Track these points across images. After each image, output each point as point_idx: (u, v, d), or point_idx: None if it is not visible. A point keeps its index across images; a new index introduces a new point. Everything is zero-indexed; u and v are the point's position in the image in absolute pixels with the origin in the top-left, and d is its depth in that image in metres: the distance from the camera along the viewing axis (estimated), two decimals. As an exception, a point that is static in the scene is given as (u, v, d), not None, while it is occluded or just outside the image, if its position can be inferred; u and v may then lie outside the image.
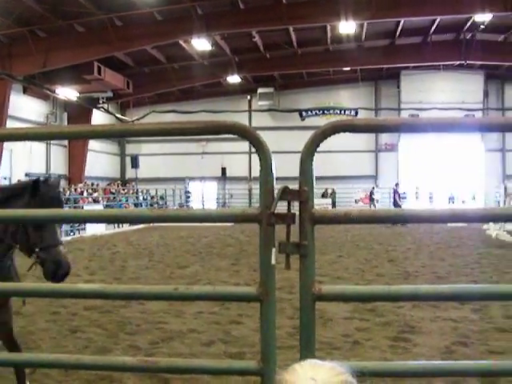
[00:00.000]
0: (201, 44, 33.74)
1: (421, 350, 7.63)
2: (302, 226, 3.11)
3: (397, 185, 37.76)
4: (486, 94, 47.95)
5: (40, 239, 5.11)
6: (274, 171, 3.13)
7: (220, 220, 3.64)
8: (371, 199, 41.48)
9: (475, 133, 40.22)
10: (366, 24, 33.70)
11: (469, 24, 35.61)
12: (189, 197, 46.49)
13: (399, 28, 35.45)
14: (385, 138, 48.23)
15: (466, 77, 46.11)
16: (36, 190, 5.18)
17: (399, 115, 43.79)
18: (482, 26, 35.24)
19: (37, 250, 5.11)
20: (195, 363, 4.27)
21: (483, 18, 33.01)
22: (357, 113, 42.55)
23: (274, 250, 3.16)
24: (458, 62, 42.24)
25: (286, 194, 3.11)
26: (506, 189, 30.82)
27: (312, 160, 3.03)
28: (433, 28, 36.06)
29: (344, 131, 3.10)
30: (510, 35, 37.62)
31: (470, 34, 38.31)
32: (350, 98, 47.67)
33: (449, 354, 7.41)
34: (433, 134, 39.25)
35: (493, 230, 24.60)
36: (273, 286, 3.23)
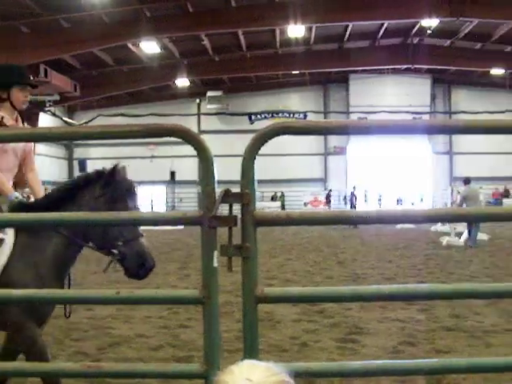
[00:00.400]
0: (149, 47, 33.61)
1: (368, 351, 7.66)
2: (244, 228, 3.10)
3: (354, 188, 38.23)
4: (433, 98, 48.84)
5: (120, 233, 4.80)
6: (215, 174, 3.11)
7: (162, 223, 3.62)
8: (328, 201, 41.85)
9: (420, 135, 40.97)
10: (314, 27, 33.92)
11: (416, 29, 36.16)
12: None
13: (348, 32, 35.75)
14: (334, 141, 48.56)
15: (414, 80, 46.88)
16: (109, 181, 4.88)
17: (348, 118, 44.20)
18: (428, 31, 35.74)
19: (119, 244, 4.79)
20: (139, 367, 4.23)
21: (430, 23, 33.54)
22: (306, 116, 42.79)
23: (215, 252, 3.15)
24: (405, 66, 42.91)
25: (227, 196, 3.10)
26: (452, 191, 31.33)
27: (253, 162, 3.02)
28: (381, 32, 36.51)
29: (284, 133, 3.10)
30: (457, 40, 38.27)
31: (417, 39, 38.91)
32: (299, 102, 47.98)
33: (396, 354, 7.47)
34: (381, 137, 39.91)
35: (444, 237, 24.66)
36: (215, 288, 3.21)
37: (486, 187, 45.30)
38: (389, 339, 8.27)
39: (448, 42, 39.17)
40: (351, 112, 46.01)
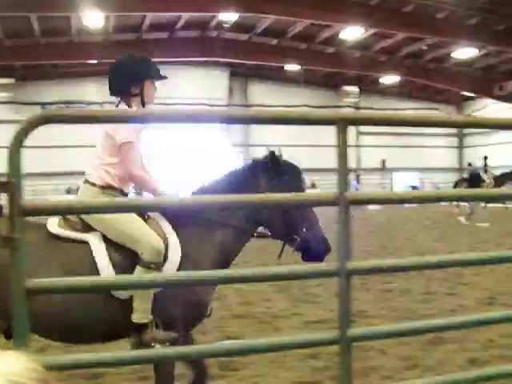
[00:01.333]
0: None
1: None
2: (11, 218, 2.98)
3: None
4: (230, 91, 49.70)
5: (303, 218, 4.69)
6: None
7: None
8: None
9: (217, 128, 41.78)
10: (112, 17, 33.35)
11: (214, 22, 36.62)
12: None
13: (146, 23, 35.50)
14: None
15: (212, 73, 47.41)
16: (278, 168, 4.82)
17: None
18: (226, 25, 36.33)
19: (304, 230, 4.67)
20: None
21: (228, 17, 34.11)
22: (102, 107, 41.95)
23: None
24: (203, 59, 43.35)
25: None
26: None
27: (19, 151, 2.91)
28: (179, 24, 36.59)
29: (57, 122, 3.00)
30: (254, 35, 39.23)
31: (215, 32, 39.42)
32: (98, 92, 46.67)
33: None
34: (177, 129, 40.22)
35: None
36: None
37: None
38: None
39: (246, 36, 39.99)
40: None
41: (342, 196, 3.21)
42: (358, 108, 52.90)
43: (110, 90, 5.14)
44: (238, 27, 37.21)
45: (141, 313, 4.49)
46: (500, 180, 31.71)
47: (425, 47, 40.65)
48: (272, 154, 4.90)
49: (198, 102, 42.68)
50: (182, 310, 4.65)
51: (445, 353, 7.11)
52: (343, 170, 3.23)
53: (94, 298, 4.46)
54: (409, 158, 53.86)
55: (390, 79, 48.16)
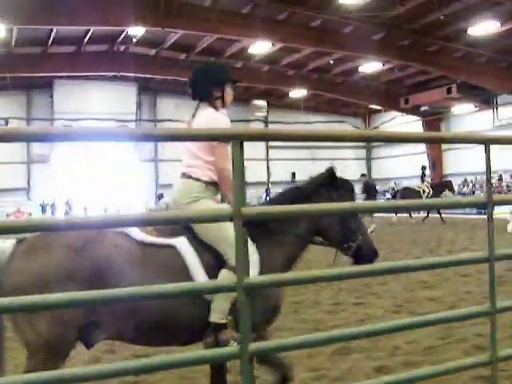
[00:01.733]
0: None
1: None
2: None
3: (59, 197, 37.27)
4: (139, 106, 49.27)
5: (358, 227, 5.37)
6: None
7: None
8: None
9: (127, 143, 41.09)
10: (16, 29, 32.39)
11: (122, 36, 36.21)
12: None
13: (52, 36, 34.71)
14: (37, 148, 46.33)
15: (120, 88, 46.90)
16: (335, 182, 5.53)
17: (52, 125, 42.92)
18: (134, 40, 36.01)
19: (360, 237, 5.31)
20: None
21: (136, 31, 33.82)
22: (7, 122, 40.93)
23: None
24: (112, 74, 42.84)
25: None
26: (159, 197, 31.86)
27: None
28: (86, 38, 35.95)
29: None
30: (162, 50, 39.03)
31: (123, 47, 38.99)
32: (2, 108, 45.41)
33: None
34: (88, 144, 39.47)
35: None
36: None
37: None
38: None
39: (154, 51, 39.72)
40: (56, 119, 44.75)
41: (238, 212, 3.25)
42: (266, 122, 53.34)
43: (193, 94, 5.63)
44: (146, 42, 36.94)
45: (220, 313, 4.86)
46: (438, 189, 32.44)
47: (332, 61, 41.29)
48: (330, 170, 5.61)
49: (107, 117, 42.11)
50: (259, 311, 4.84)
51: (352, 362, 7.17)
52: (239, 186, 3.29)
53: (184, 299, 4.80)
54: (319, 170, 54.38)
55: (297, 93, 48.57)
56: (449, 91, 43.25)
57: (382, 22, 32.89)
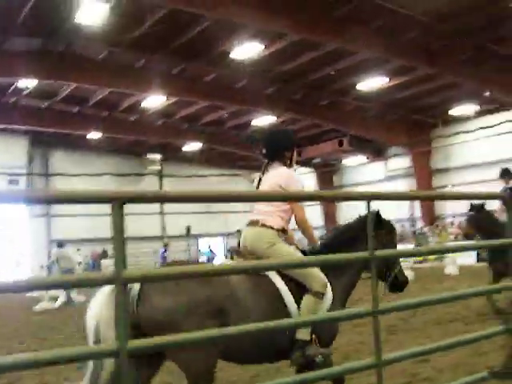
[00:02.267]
0: None
1: None
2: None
3: None
4: (31, 159, 47.98)
5: (397, 261, 6.47)
6: None
7: None
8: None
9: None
10: None
11: (13, 88, 35.48)
12: None
13: None
14: None
15: (11, 141, 45.66)
16: (380, 222, 6.29)
17: None
18: (26, 91, 35.37)
19: (397, 270, 6.40)
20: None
21: (27, 83, 33.25)
22: None
23: None
24: (2, 126, 41.88)
25: None
26: (50, 254, 31.18)
27: None
28: (-26, 90, 35.13)
29: None
30: (54, 102, 38.42)
31: (14, 98, 38.15)
32: None
33: None
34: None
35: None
36: None
37: (85, 249, 45.99)
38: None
39: (46, 103, 39.02)
40: None
41: (119, 275, 3.22)
42: (161, 176, 53.18)
43: (266, 155, 6.70)
44: (37, 94, 36.19)
45: (305, 332, 5.73)
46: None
47: (226, 115, 41.75)
48: (377, 213, 6.30)
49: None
50: (331, 330, 6.10)
51: None
52: (119, 248, 3.26)
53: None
54: (213, 223, 54.54)
55: (192, 146, 48.58)
56: (340, 144, 44.41)
57: (274, 76, 33.59)
